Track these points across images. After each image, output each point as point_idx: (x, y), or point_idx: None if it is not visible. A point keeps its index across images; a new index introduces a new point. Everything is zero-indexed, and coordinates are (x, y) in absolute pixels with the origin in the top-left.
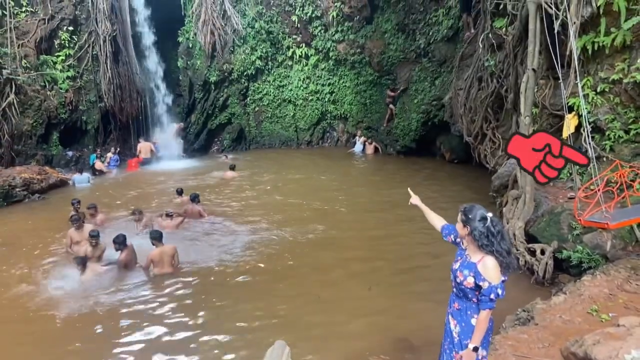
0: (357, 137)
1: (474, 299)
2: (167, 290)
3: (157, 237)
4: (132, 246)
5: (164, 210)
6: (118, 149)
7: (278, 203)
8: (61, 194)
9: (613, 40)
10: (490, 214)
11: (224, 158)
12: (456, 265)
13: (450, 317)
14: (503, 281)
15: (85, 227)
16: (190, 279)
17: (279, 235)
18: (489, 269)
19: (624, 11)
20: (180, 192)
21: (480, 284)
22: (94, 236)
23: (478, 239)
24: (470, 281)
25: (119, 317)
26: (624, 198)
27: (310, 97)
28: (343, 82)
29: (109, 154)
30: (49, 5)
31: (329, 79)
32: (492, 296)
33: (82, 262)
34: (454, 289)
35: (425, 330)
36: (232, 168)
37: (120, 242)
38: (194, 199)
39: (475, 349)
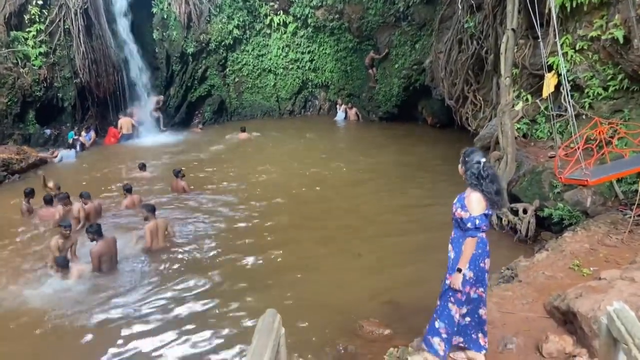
0: (338, 106)
1: (465, 229)
2: (158, 269)
3: (151, 210)
4: (114, 239)
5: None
6: (90, 127)
7: (266, 173)
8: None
9: None
10: (483, 159)
11: (198, 129)
12: (454, 200)
13: (450, 245)
14: (486, 215)
15: (75, 206)
16: (179, 255)
17: (266, 205)
18: (472, 201)
19: None
20: (142, 167)
21: (462, 213)
22: (67, 226)
23: (469, 179)
24: (459, 212)
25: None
26: (603, 155)
27: (290, 66)
28: (323, 49)
29: (83, 132)
30: None
31: (308, 46)
32: (469, 225)
33: (65, 263)
34: (453, 220)
35: (413, 293)
36: (243, 130)
37: (94, 232)
38: (177, 174)
39: (459, 270)
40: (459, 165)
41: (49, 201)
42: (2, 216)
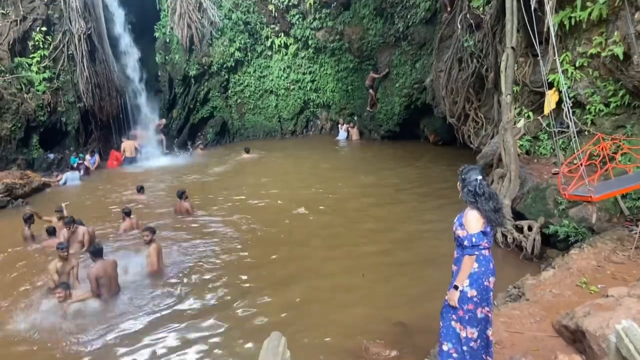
0: (340, 125)
1: (464, 247)
2: (160, 296)
3: (154, 232)
4: (114, 262)
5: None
6: (95, 151)
7: (269, 194)
8: (45, 198)
9: (589, 14)
10: (480, 177)
11: (200, 150)
12: (454, 219)
13: (453, 265)
14: (484, 233)
15: (79, 230)
16: (183, 280)
17: (269, 225)
18: (469, 219)
19: None
20: (139, 190)
21: (461, 231)
22: (64, 248)
23: (466, 196)
24: (458, 231)
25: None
26: (607, 170)
27: (291, 87)
28: (324, 69)
29: (87, 156)
30: (20, 6)
31: (309, 67)
32: (466, 243)
33: (66, 288)
34: (454, 240)
35: (420, 314)
36: (247, 151)
37: (92, 252)
38: (181, 195)
39: (456, 287)
40: (458, 183)
41: (52, 232)
42: (3, 241)
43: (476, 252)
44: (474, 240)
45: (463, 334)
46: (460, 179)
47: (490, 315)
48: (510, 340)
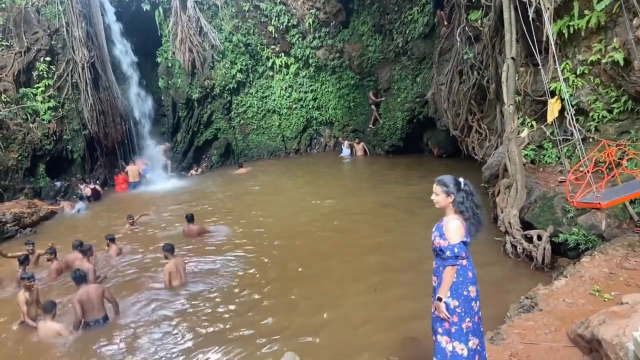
0: (342, 141)
1: (444, 257)
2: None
3: (169, 250)
4: (98, 287)
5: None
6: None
7: (275, 214)
8: (53, 226)
9: (587, 22)
10: (461, 179)
11: (192, 172)
12: (433, 229)
13: (433, 276)
14: (465, 242)
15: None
16: (193, 299)
17: (276, 246)
18: (450, 229)
19: None
20: (129, 218)
21: (441, 242)
22: (29, 278)
23: (462, 203)
24: (438, 241)
25: None
26: (614, 177)
27: (294, 106)
28: (325, 87)
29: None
30: (24, 37)
31: (311, 85)
32: (448, 253)
33: (52, 307)
34: (433, 250)
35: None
36: (241, 165)
37: (75, 277)
38: (190, 218)
39: (440, 299)
40: (441, 196)
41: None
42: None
43: (458, 262)
44: (456, 250)
45: (449, 348)
46: (444, 191)
47: (471, 325)
48: (526, 351)
